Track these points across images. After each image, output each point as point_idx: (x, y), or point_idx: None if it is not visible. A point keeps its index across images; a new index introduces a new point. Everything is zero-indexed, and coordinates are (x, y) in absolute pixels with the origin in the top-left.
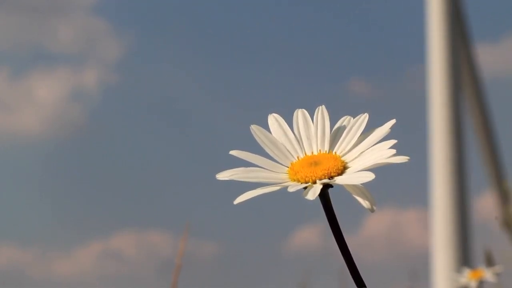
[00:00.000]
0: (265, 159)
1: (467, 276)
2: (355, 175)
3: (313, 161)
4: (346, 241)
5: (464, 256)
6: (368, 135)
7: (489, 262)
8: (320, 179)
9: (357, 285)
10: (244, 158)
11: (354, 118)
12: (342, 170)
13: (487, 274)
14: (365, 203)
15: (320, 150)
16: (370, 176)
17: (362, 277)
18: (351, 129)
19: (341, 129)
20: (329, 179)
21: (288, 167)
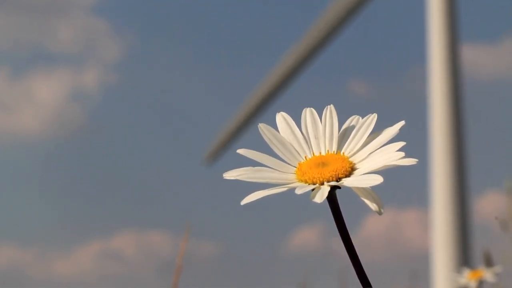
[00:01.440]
0: (272, 158)
1: (466, 276)
2: (364, 178)
3: (321, 162)
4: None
5: (464, 256)
6: (377, 136)
7: (488, 262)
8: (328, 181)
9: (363, 285)
10: (252, 157)
11: (362, 117)
12: (350, 171)
13: (487, 275)
14: (372, 206)
15: (328, 151)
16: (379, 179)
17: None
18: (359, 129)
19: (350, 129)
20: (336, 181)
21: (295, 167)
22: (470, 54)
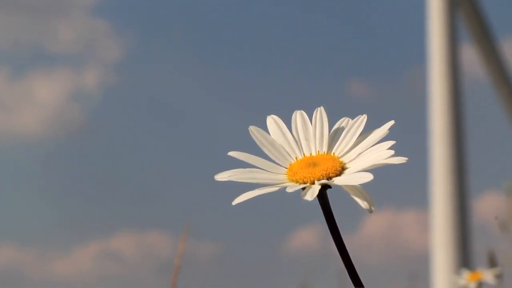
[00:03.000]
0: (263, 160)
1: (466, 277)
2: (354, 176)
3: (312, 162)
4: (344, 242)
5: (464, 258)
6: (367, 136)
7: (492, 263)
8: (319, 180)
9: (355, 286)
10: (243, 159)
11: (352, 119)
12: (341, 171)
13: (487, 276)
14: (363, 204)
15: (318, 151)
16: (369, 177)
17: (361, 279)
18: (349, 130)
19: (340, 130)
20: (327, 180)
21: (286, 168)
22: (470, 54)
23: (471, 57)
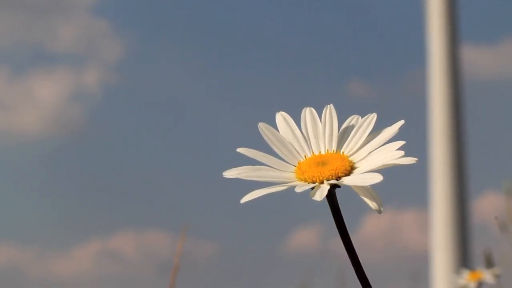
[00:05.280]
0: (272, 157)
1: (466, 277)
2: (363, 176)
3: (321, 161)
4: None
5: (464, 257)
6: (376, 135)
7: (489, 263)
8: (328, 180)
9: (362, 285)
10: (252, 156)
11: (362, 117)
12: (350, 170)
13: (486, 276)
14: (372, 204)
15: (327, 150)
16: (378, 178)
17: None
18: (359, 128)
19: (349, 128)
20: (336, 179)
21: (295, 166)
22: (470, 54)
23: (471, 57)
